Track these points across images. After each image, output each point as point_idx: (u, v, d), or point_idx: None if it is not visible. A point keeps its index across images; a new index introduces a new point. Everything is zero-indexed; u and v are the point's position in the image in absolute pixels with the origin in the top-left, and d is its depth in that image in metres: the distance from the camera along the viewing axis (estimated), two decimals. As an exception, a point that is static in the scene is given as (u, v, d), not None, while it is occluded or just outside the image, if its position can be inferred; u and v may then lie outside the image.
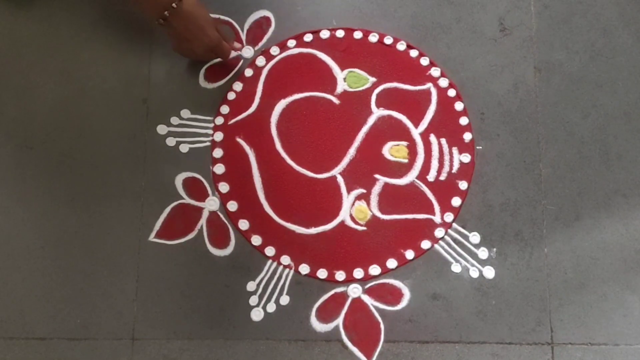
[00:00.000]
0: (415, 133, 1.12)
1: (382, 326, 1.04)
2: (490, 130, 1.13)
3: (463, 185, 1.10)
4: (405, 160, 1.11)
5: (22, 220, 1.08)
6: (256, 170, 1.11)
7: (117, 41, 1.16)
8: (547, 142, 1.12)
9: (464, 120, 1.13)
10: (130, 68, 1.15)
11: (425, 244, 1.07)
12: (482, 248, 1.07)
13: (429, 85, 1.15)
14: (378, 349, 1.03)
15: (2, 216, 1.08)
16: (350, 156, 1.11)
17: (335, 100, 1.14)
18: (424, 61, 1.16)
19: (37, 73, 1.15)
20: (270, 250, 1.07)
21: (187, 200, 1.09)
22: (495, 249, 1.07)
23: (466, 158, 1.11)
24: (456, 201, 1.09)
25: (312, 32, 1.17)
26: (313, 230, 1.08)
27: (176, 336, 1.04)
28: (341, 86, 1.14)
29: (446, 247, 1.08)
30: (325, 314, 1.05)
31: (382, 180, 1.10)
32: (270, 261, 1.07)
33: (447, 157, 1.11)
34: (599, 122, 1.13)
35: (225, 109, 1.13)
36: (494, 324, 1.04)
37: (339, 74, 1.15)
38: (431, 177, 1.10)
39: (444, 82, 1.14)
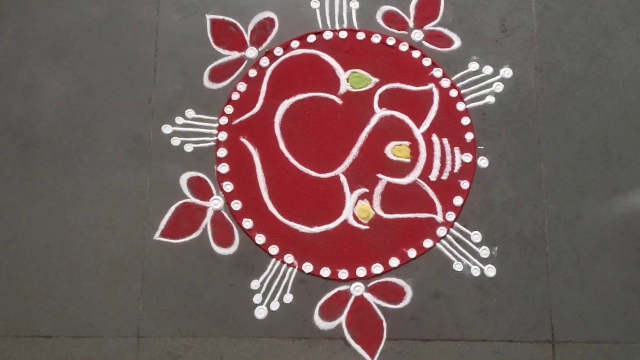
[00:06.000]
0: (418, 133, 1.13)
1: (384, 324, 1.05)
2: (492, 130, 1.14)
3: (465, 184, 1.11)
4: (408, 160, 1.12)
5: (27, 219, 1.09)
6: (260, 169, 1.12)
7: (122, 41, 1.17)
8: (548, 142, 1.13)
9: (465, 121, 1.14)
10: (135, 68, 1.16)
11: (428, 243, 1.08)
12: (484, 247, 1.08)
13: (431, 85, 1.15)
14: (381, 347, 1.04)
15: (8, 215, 1.09)
16: (353, 156, 1.12)
17: (339, 101, 1.15)
18: (426, 62, 1.16)
19: (43, 73, 1.16)
20: (274, 249, 1.08)
21: (192, 199, 1.10)
22: (496, 248, 1.08)
23: (468, 158, 1.12)
24: (458, 200, 1.10)
25: (316, 33, 1.18)
26: (316, 229, 1.09)
27: (181, 334, 1.05)
28: (344, 86, 1.15)
29: (448, 246, 1.09)
30: (329, 312, 1.05)
31: (384, 179, 1.11)
32: (274, 260, 1.08)
33: (449, 157, 1.12)
34: (599, 122, 1.14)
35: (229, 109, 1.14)
36: (496, 322, 1.05)
37: (342, 74, 1.16)
38: (433, 176, 1.11)
39: (445, 83, 1.15)
